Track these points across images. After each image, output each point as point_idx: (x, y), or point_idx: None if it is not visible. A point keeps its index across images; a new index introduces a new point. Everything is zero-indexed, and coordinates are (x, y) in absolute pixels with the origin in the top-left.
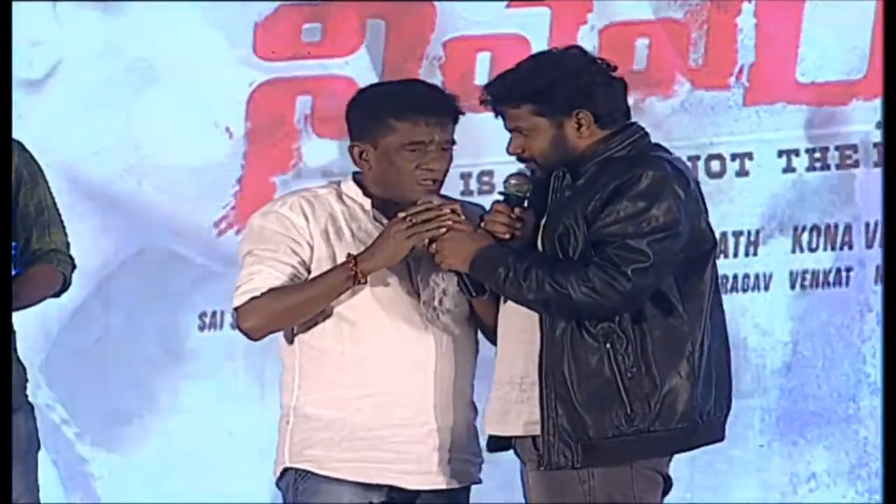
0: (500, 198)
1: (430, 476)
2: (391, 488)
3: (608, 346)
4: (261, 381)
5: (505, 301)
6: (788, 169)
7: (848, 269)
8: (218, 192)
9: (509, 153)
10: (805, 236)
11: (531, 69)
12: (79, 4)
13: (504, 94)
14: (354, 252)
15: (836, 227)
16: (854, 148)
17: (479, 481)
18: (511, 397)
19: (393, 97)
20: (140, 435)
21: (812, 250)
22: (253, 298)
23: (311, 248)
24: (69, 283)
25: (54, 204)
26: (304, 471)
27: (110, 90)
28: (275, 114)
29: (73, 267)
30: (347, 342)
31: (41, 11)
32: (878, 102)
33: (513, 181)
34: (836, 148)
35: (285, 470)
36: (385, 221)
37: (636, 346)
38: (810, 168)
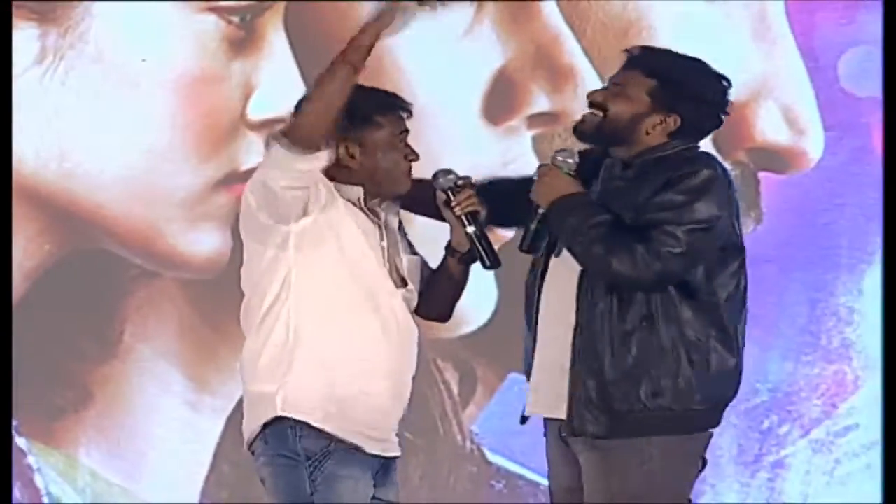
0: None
1: (391, 444)
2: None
3: (644, 324)
4: (198, 379)
5: (548, 290)
6: None
7: None
8: (152, 195)
9: (589, 95)
10: None
11: (682, 62)
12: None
13: (648, 61)
14: (358, 240)
15: None
16: None
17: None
18: (564, 384)
19: (367, 96)
20: (76, 429)
21: None
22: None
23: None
24: None
25: None
26: (326, 440)
27: (47, 95)
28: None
29: None
30: (337, 313)
31: None
32: None
33: (559, 157)
34: None
35: (277, 419)
36: (370, 214)
37: (668, 329)
38: None
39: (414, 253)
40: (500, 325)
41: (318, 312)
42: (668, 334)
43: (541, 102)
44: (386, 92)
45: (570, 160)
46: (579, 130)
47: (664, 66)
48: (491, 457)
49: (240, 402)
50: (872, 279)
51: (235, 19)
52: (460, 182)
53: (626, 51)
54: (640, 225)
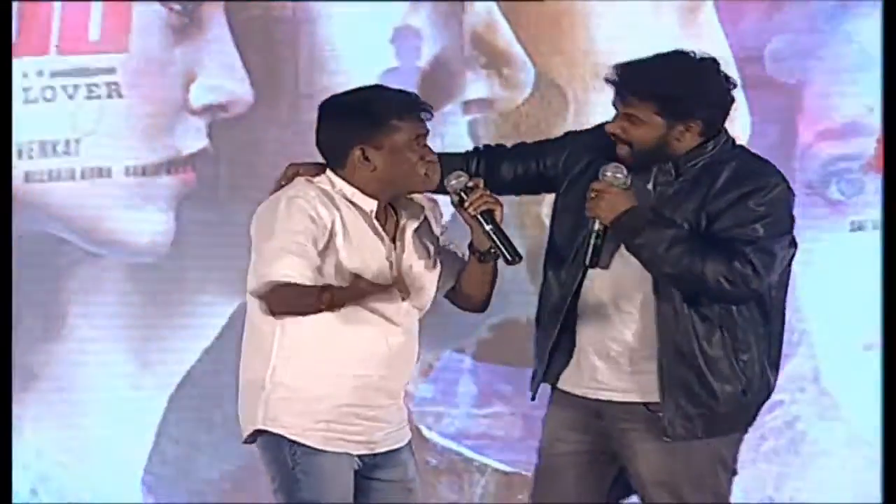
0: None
1: (389, 441)
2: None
3: (723, 327)
4: (140, 359)
5: (589, 277)
6: None
7: None
8: (95, 178)
9: (608, 129)
10: None
11: (671, 72)
12: None
13: (637, 84)
14: (356, 257)
15: None
16: None
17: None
18: (616, 369)
19: (387, 99)
20: (21, 408)
21: None
22: (286, 285)
23: (327, 242)
24: None
25: None
26: (286, 438)
27: None
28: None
29: None
30: (331, 323)
31: None
32: None
33: (609, 172)
34: None
35: (258, 432)
36: (379, 228)
37: (740, 330)
38: None
39: (436, 248)
40: (436, 306)
41: (307, 329)
42: (742, 335)
43: (476, 88)
44: (406, 93)
45: (619, 175)
46: (622, 164)
47: (652, 84)
48: (427, 433)
49: (182, 382)
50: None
51: (177, 7)
52: (471, 183)
53: (609, 79)
54: (724, 237)
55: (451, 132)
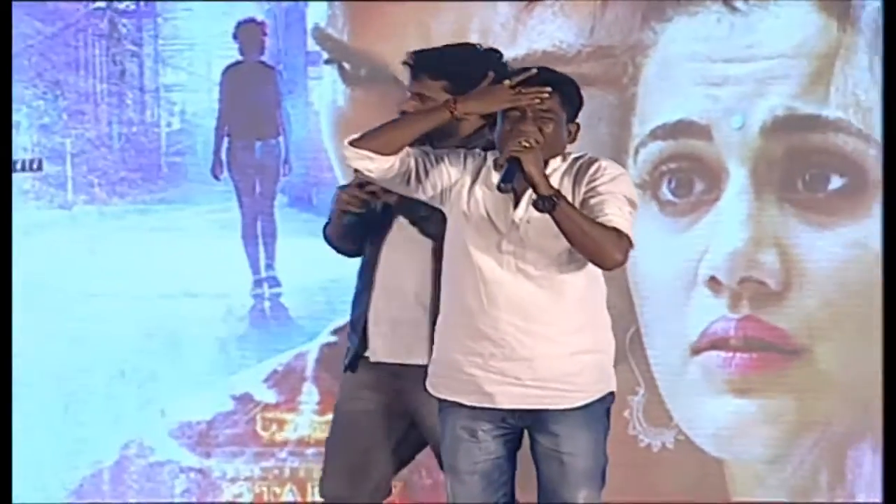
0: None
1: (516, 398)
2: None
3: None
4: None
5: (392, 251)
6: None
7: None
8: None
9: (400, 108)
10: None
11: (459, 56)
12: None
13: (430, 65)
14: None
15: None
16: None
17: None
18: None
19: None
20: None
21: None
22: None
23: (447, 183)
24: None
25: None
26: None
27: None
28: None
29: None
30: (448, 294)
31: None
32: None
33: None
34: None
35: None
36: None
37: None
38: None
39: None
40: (277, 310)
41: (443, 279)
42: None
43: (319, 83)
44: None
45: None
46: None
47: (443, 64)
48: (267, 439)
49: None
50: None
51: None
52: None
53: (407, 62)
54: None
55: (296, 126)
